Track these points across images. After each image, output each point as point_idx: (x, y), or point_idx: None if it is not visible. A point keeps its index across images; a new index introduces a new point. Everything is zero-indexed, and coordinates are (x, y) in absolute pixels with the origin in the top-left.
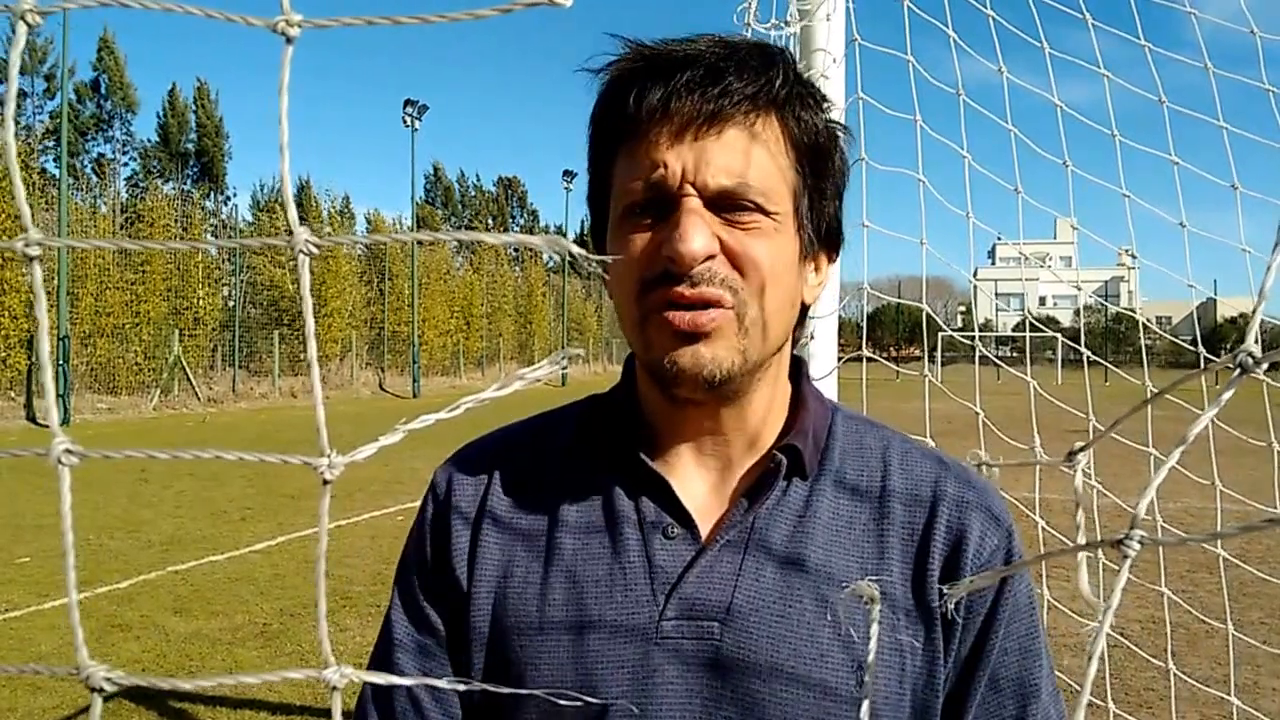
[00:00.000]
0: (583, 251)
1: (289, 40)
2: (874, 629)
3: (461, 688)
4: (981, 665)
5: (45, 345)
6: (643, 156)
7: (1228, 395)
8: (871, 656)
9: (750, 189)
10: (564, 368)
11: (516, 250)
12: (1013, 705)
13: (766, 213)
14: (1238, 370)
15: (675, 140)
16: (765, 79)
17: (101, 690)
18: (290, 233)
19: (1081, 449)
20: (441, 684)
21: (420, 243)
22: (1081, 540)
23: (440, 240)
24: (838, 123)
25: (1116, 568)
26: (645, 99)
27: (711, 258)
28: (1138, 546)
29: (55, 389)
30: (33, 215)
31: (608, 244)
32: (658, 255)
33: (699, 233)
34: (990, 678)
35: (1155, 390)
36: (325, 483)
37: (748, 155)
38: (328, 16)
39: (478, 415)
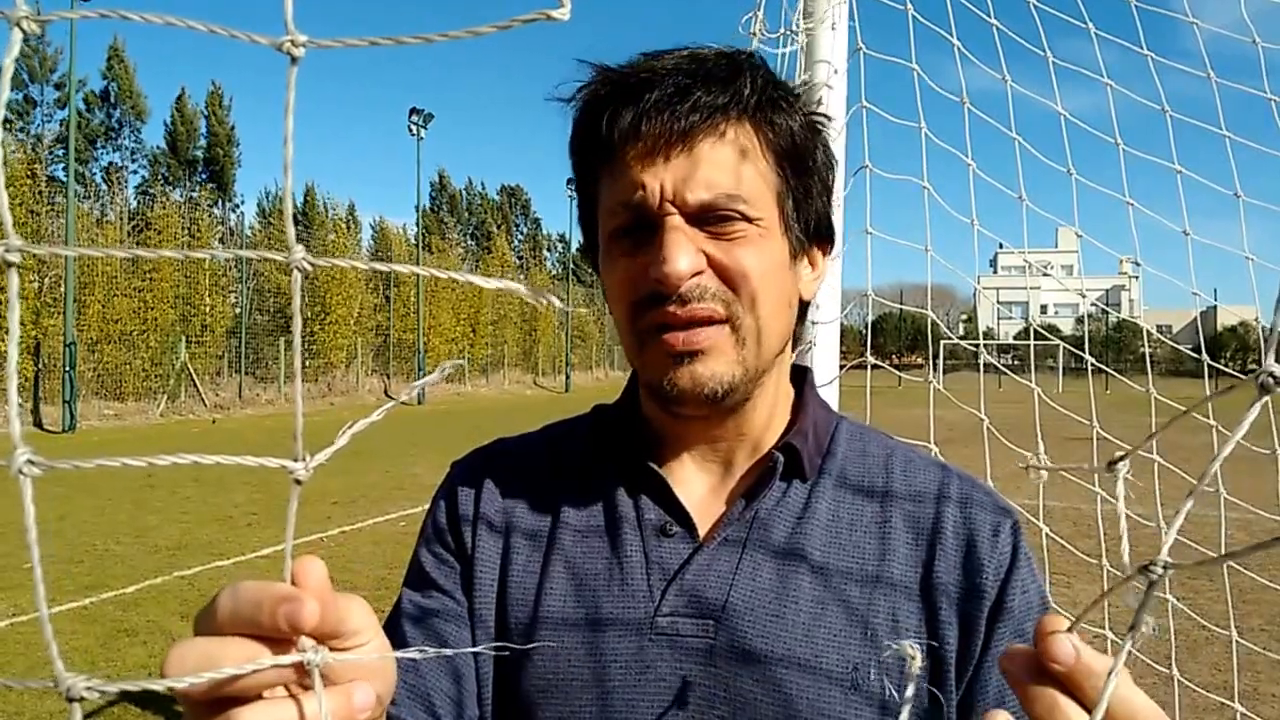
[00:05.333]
0: (562, 304)
1: (294, 60)
2: (910, 687)
3: (447, 651)
4: (1004, 619)
5: (14, 353)
6: (621, 180)
7: (1250, 419)
8: (904, 716)
9: (731, 199)
10: (452, 378)
11: (521, 258)
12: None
13: (750, 220)
14: (1260, 391)
15: (650, 161)
16: (733, 90)
17: (82, 700)
18: (289, 249)
19: (1122, 458)
20: (440, 652)
21: (423, 258)
22: (1125, 547)
23: (438, 276)
24: (819, 115)
25: (1140, 587)
26: (617, 123)
27: (699, 274)
28: (1160, 571)
29: (61, 395)
30: (40, 223)
31: (600, 265)
32: (645, 278)
33: (682, 252)
34: (1016, 629)
35: (1158, 398)
36: (297, 483)
37: (725, 166)
38: (332, 37)
39: (480, 422)
